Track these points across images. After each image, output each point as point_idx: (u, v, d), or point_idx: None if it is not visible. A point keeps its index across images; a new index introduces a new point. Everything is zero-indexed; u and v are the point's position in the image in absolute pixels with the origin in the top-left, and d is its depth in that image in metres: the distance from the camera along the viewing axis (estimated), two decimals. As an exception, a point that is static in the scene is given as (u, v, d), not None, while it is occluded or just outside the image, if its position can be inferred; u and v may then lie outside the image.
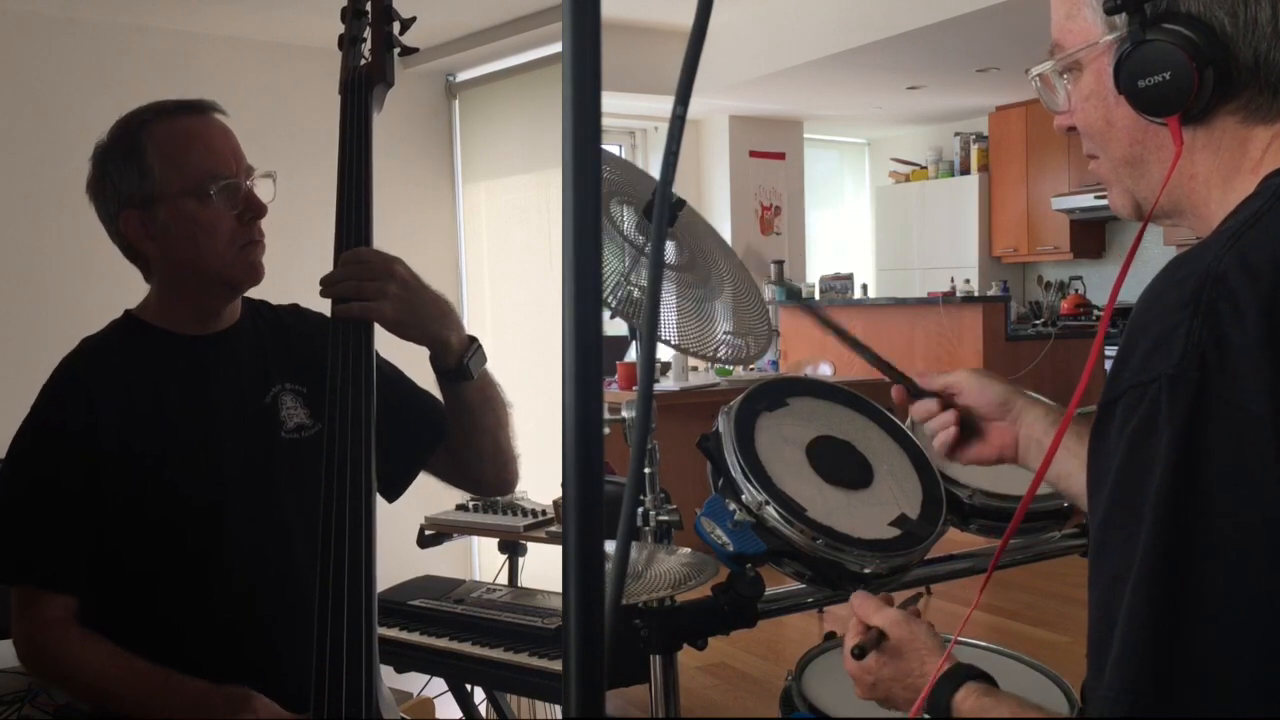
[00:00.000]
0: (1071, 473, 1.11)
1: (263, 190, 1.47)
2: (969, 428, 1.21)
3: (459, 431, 1.52)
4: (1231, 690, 0.69)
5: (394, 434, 1.47)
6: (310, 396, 1.52)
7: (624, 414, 1.69)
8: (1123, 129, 0.89)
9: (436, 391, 1.52)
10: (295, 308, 1.62)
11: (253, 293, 1.54)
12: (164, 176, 1.41)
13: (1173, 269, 0.78)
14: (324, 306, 1.61)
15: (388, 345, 1.44)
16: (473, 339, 1.46)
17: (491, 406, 1.51)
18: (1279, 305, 0.70)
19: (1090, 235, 8.06)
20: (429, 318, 1.40)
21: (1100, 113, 0.90)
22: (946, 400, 1.22)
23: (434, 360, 1.45)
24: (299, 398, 1.52)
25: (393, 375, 1.57)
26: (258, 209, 1.45)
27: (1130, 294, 0.92)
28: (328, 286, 1.38)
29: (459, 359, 1.43)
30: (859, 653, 1.07)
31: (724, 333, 1.52)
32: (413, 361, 1.53)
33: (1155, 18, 0.83)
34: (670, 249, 1.55)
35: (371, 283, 1.35)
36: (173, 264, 1.45)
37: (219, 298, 1.50)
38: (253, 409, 1.48)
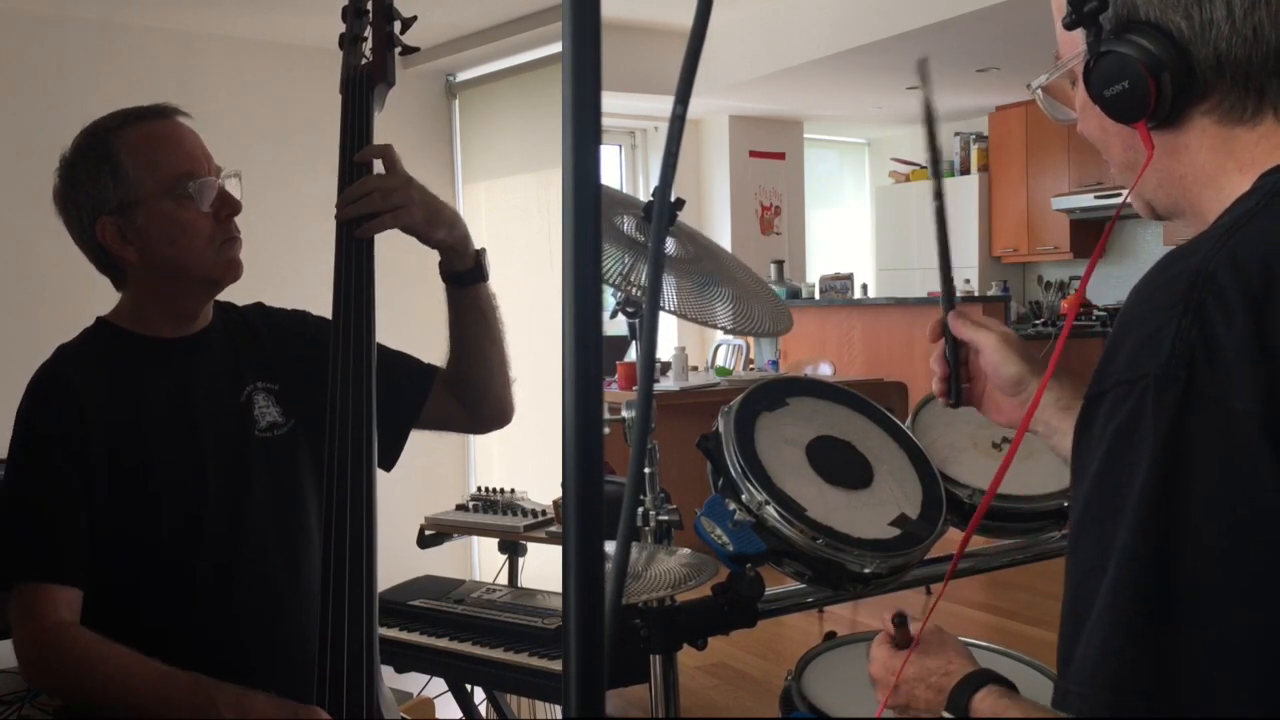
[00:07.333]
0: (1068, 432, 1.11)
1: (232, 190, 1.47)
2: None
3: (472, 344, 1.53)
4: (1223, 689, 0.68)
5: (383, 401, 1.45)
6: (281, 394, 1.52)
7: (624, 414, 1.69)
8: (1114, 136, 0.90)
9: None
10: (260, 306, 1.61)
11: (231, 293, 1.53)
12: (139, 179, 1.40)
13: (1164, 266, 0.78)
14: (294, 305, 1.60)
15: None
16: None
17: (498, 314, 1.55)
18: (1268, 303, 0.70)
19: (1090, 235, 8.05)
20: (450, 219, 1.46)
21: (1095, 121, 0.91)
22: (967, 352, 1.26)
23: (450, 263, 1.48)
24: (270, 396, 1.51)
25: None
26: (233, 206, 1.46)
27: (1126, 293, 0.92)
28: (349, 205, 1.41)
29: (475, 257, 1.48)
30: (900, 619, 1.08)
31: (725, 309, 1.52)
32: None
33: (1118, 27, 0.84)
34: (671, 245, 1.55)
35: (396, 192, 1.40)
36: (152, 267, 1.43)
37: (199, 298, 1.49)
38: (228, 409, 1.48)
